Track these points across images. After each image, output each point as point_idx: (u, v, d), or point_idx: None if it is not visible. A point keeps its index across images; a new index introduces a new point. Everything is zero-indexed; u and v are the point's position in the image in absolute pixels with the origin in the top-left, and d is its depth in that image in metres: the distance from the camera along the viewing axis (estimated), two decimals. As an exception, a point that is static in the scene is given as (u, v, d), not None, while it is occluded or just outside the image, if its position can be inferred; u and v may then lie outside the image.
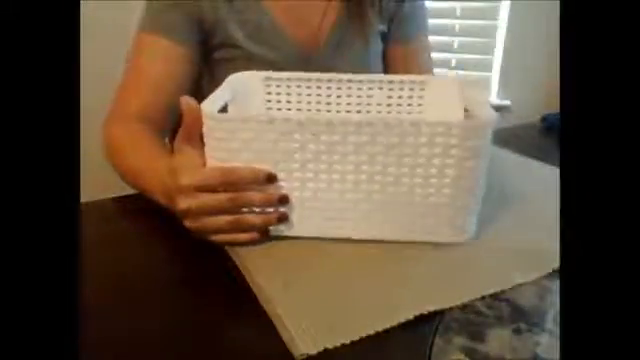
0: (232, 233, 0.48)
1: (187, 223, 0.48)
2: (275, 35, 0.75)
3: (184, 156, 0.48)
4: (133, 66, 0.71)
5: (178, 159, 0.49)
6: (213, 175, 0.47)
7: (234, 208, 0.47)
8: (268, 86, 0.65)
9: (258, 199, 0.47)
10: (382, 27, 0.83)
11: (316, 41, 0.78)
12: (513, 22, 1.71)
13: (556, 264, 0.46)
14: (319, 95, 0.64)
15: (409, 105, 0.65)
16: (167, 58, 0.70)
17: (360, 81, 0.64)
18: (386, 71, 0.85)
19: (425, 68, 0.86)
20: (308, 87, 0.64)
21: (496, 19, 1.72)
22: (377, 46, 0.84)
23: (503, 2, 1.70)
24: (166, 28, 0.70)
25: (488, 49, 1.76)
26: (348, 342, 0.37)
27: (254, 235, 0.48)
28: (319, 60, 0.76)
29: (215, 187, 0.47)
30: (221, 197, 0.47)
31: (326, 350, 0.36)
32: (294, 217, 0.49)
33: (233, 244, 0.49)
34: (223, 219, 0.47)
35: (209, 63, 0.75)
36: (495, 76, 1.82)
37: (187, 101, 0.47)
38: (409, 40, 0.85)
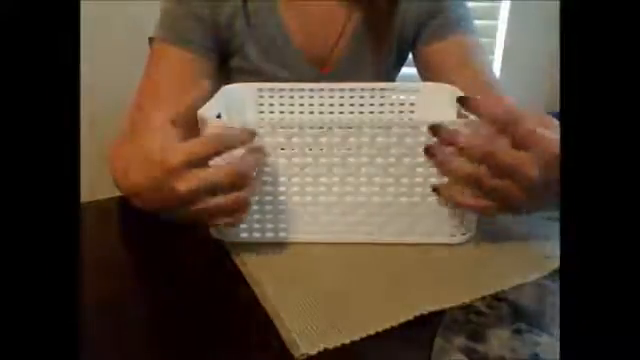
0: (233, 213, 0.44)
1: (188, 207, 0.43)
2: (289, 52, 0.75)
3: (165, 139, 0.43)
4: (148, 76, 0.70)
5: (158, 143, 0.43)
6: (204, 144, 0.42)
7: (236, 180, 0.43)
8: (261, 97, 0.65)
9: (253, 164, 0.44)
10: (406, 43, 0.80)
11: (330, 60, 0.77)
12: (513, 22, 1.71)
13: (556, 264, 0.46)
14: (311, 105, 0.64)
15: (401, 112, 0.65)
16: (183, 68, 0.69)
17: (352, 89, 0.64)
18: (422, 76, 0.81)
19: (459, 65, 0.75)
20: (301, 97, 0.64)
21: (496, 19, 1.72)
22: (393, 64, 0.83)
23: (503, 2, 1.70)
24: (182, 38, 0.69)
25: (488, 49, 1.76)
26: (348, 342, 0.37)
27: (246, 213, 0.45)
28: (332, 79, 0.75)
29: (209, 157, 0.42)
30: (219, 171, 0.42)
31: (326, 350, 0.36)
32: (294, 221, 0.49)
33: (231, 225, 0.45)
34: (226, 197, 0.43)
35: (224, 71, 0.75)
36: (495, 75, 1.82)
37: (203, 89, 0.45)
38: (433, 41, 0.77)
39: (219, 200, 0.43)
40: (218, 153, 0.43)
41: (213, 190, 0.42)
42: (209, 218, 0.44)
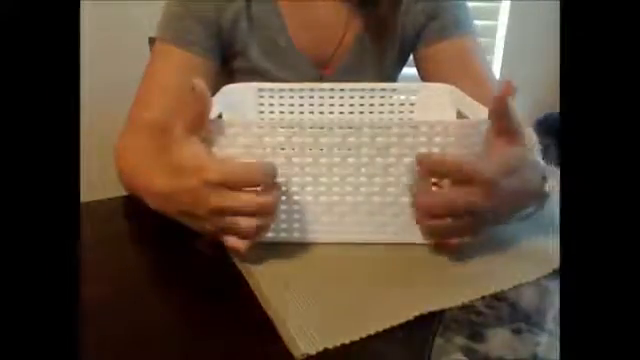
0: (254, 236, 0.44)
1: (210, 223, 0.44)
2: (291, 54, 0.75)
3: (195, 148, 0.43)
4: (149, 76, 0.71)
5: (189, 152, 0.43)
6: (245, 171, 0.43)
7: (262, 211, 0.43)
8: (261, 97, 0.65)
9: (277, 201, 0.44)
10: (406, 45, 0.80)
11: (332, 61, 0.78)
12: (513, 22, 1.71)
13: (556, 264, 0.46)
14: (311, 105, 0.64)
15: (400, 112, 0.65)
16: (183, 69, 0.69)
17: (352, 89, 0.64)
18: (422, 77, 0.81)
19: (458, 67, 0.76)
20: (301, 97, 0.64)
21: (496, 19, 1.72)
22: (394, 66, 0.83)
23: (503, 2, 1.70)
24: (183, 39, 0.70)
25: (488, 49, 1.76)
26: (348, 342, 0.37)
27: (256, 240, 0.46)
28: (334, 80, 0.75)
29: (246, 185, 0.43)
30: (252, 199, 0.43)
31: (326, 350, 0.36)
32: (294, 222, 0.49)
33: (240, 251, 0.45)
34: (256, 221, 0.43)
35: (226, 72, 0.75)
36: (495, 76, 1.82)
37: (200, 86, 0.43)
38: (433, 42, 0.78)
39: (242, 222, 0.43)
40: (255, 184, 0.43)
41: (238, 213, 0.43)
42: (222, 235, 0.45)
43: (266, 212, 0.44)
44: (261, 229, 0.44)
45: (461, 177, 0.43)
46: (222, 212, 0.43)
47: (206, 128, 0.45)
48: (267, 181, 0.43)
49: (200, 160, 0.43)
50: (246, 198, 0.43)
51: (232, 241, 0.44)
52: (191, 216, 0.45)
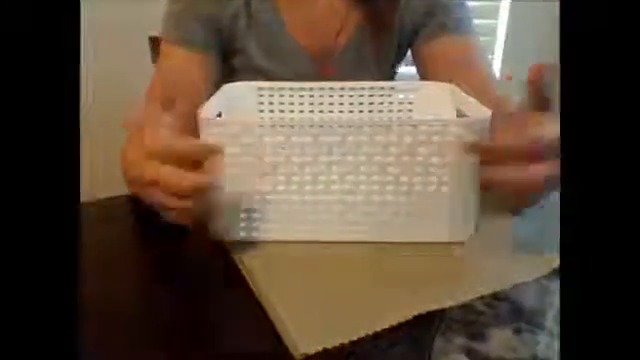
0: (183, 217, 0.43)
1: (146, 192, 0.42)
2: (290, 51, 0.76)
3: (152, 119, 0.42)
4: (155, 77, 0.72)
5: (157, 129, 0.42)
6: (190, 145, 0.42)
7: (201, 190, 0.41)
8: (261, 96, 0.65)
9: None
10: (404, 40, 0.80)
11: (331, 57, 0.78)
12: (513, 22, 1.71)
13: (556, 264, 0.46)
14: (311, 104, 0.64)
15: (399, 111, 0.65)
16: (187, 68, 0.71)
17: (351, 88, 0.64)
18: (421, 74, 0.81)
19: (458, 65, 0.75)
20: (300, 96, 0.64)
21: (496, 18, 1.72)
22: (393, 61, 0.83)
23: (503, 2, 1.70)
24: (185, 38, 0.71)
25: (488, 48, 1.76)
26: (348, 342, 0.37)
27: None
28: (334, 76, 0.76)
29: (185, 158, 0.41)
30: (187, 176, 0.40)
31: (326, 350, 0.36)
32: (294, 220, 0.49)
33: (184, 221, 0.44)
34: (186, 202, 0.41)
35: (227, 70, 0.76)
36: (495, 75, 1.82)
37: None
38: (433, 40, 0.78)
39: (171, 200, 0.41)
40: (187, 158, 0.41)
41: (168, 189, 0.41)
42: (159, 208, 0.43)
43: (197, 192, 0.41)
44: (191, 211, 0.42)
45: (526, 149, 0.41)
46: (155, 184, 0.41)
47: (203, 130, 0.45)
48: (200, 157, 0.42)
49: (148, 133, 0.41)
50: (179, 174, 0.40)
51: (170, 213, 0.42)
52: (140, 189, 0.43)
